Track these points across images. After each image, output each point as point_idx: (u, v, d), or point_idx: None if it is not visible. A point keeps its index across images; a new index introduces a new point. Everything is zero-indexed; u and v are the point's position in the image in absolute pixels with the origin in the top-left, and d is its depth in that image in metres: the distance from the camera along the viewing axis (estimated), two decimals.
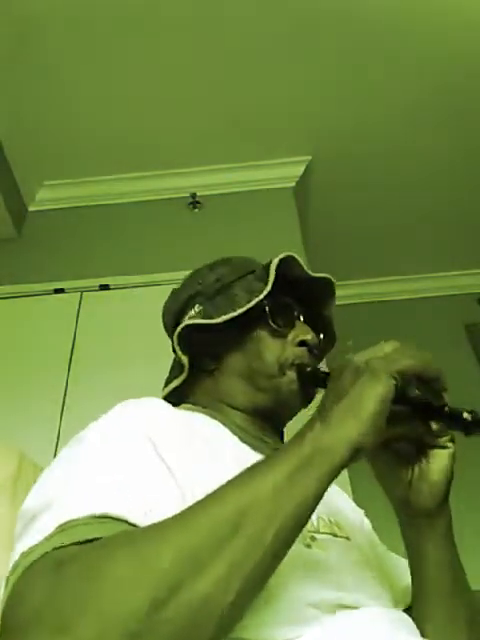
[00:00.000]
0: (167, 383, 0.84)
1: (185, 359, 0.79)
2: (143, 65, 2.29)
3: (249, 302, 0.76)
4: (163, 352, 2.19)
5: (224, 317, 0.76)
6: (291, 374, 0.76)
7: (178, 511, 0.49)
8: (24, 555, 0.46)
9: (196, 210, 2.63)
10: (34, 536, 0.47)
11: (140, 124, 2.49)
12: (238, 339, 0.79)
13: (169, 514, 0.48)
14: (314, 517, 0.69)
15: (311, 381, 0.73)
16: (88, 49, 2.23)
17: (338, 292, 0.87)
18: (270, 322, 0.78)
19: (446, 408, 0.55)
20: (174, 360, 0.85)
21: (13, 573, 0.46)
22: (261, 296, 0.76)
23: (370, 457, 0.61)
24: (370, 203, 2.87)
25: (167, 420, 0.64)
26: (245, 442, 0.73)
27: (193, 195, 2.65)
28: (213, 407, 0.77)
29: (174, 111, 2.46)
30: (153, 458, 0.57)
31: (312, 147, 2.64)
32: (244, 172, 2.68)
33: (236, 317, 0.76)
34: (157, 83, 2.36)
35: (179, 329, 0.78)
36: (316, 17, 2.15)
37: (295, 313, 0.80)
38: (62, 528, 0.46)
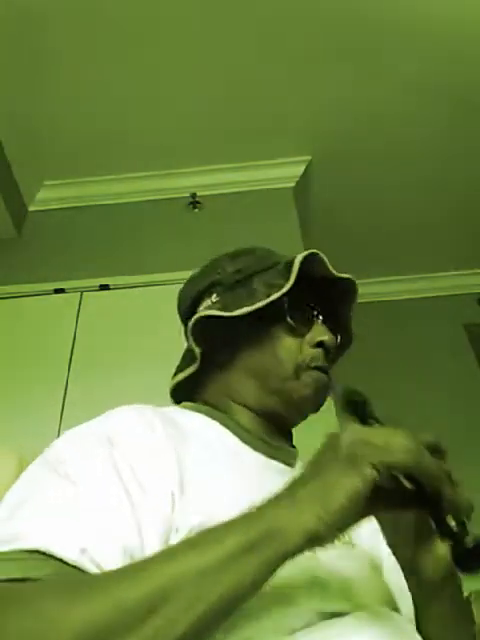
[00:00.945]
0: (177, 372, 0.82)
1: (198, 350, 0.76)
2: (143, 65, 2.29)
3: (268, 297, 0.72)
4: (163, 352, 2.20)
5: (241, 311, 0.73)
6: (305, 378, 0.73)
7: (123, 547, 0.48)
8: None
9: (196, 210, 2.63)
10: None
11: (140, 124, 2.49)
12: (254, 334, 0.76)
13: (107, 554, 0.47)
14: None
15: (352, 410, 0.66)
16: (88, 49, 2.23)
17: None
18: (288, 320, 0.75)
19: (444, 522, 0.48)
20: (186, 349, 0.82)
21: None
22: (281, 292, 0.72)
23: (373, 513, 0.53)
24: (370, 203, 2.87)
25: (149, 428, 0.62)
26: (246, 442, 0.71)
27: (193, 195, 2.65)
28: (219, 403, 0.75)
29: (174, 111, 2.45)
30: (111, 485, 0.54)
31: (312, 147, 2.64)
32: (244, 172, 2.68)
33: (253, 311, 0.73)
34: (157, 83, 2.36)
35: (194, 319, 0.75)
36: (316, 17, 2.15)
37: (315, 313, 0.77)
38: None
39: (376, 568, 0.68)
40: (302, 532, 0.42)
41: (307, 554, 0.60)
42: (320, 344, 0.74)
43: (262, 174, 2.68)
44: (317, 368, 0.74)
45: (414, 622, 0.62)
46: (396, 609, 0.65)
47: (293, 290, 0.73)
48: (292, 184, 2.69)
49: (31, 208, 2.70)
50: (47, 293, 2.32)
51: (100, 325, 2.20)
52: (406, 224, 2.97)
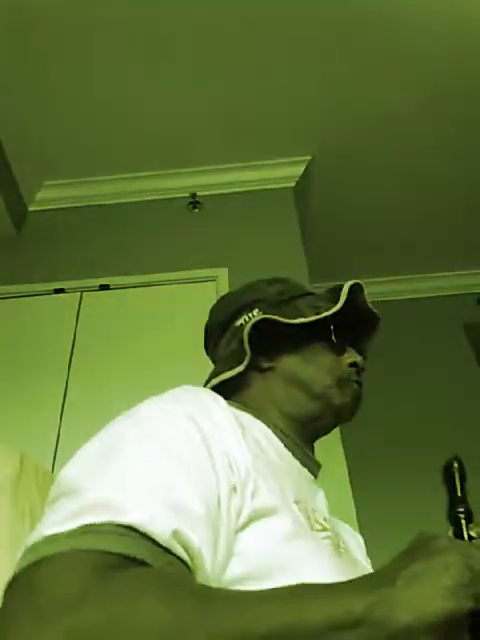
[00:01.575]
0: (214, 375, 0.84)
1: (249, 351, 0.80)
2: (143, 65, 2.30)
3: (317, 315, 0.81)
4: (163, 352, 2.21)
5: (301, 320, 0.80)
6: (347, 388, 0.81)
7: (210, 527, 0.50)
8: (46, 541, 0.45)
9: (196, 210, 2.63)
10: (57, 524, 0.47)
11: (140, 124, 2.49)
12: (298, 345, 0.83)
13: (195, 537, 0.48)
14: (335, 534, 0.71)
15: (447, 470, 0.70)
16: (88, 49, 2.23)
17: None
18: (332, 338, 0.83)
19: None
20: (223, 355, 0.87)
21: (31, 551, 0.45)
22: (333, 310, 0.80)
23: None
24: (370, 203, 2.87)
25: (224, 413, 0.64)
26: (287, 447, 0.76)
27: (193, 195, 2.65)
28: (258, 408, 0.79)
29: (174, 111, 2.46)
30: (200, 458, 0.56)
31: (312, 147, 2.64)
32: (244, 172, 2.68)
33: (301, 325, 0.80)
34: (157, 83, 2.36)
35: (253, 321, 0.80)
36: (316, 17, 2.15)
37: (348, 337, 0.87)
38: (84, 530, 0.46)
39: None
40: (400, 628, 0.43)
41: (335, 557, 0.62)
42: (354, 364, 0.84)
43: (262, 174, 2.68)
44: (356, 382, 0.83)
45: None
46: None
47: (337, 314, 0.82)
48: (292, 184, 2.70)
49: (31, 208, 2.71)
50: (47, 293, 2.32)
51: (100, 325, 2.20)
52: (406, 224, 2.97)
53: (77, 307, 2.26)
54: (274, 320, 0.80)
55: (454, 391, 2.83)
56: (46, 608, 0.41)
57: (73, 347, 2.13)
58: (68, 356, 2.11)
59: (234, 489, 0.56)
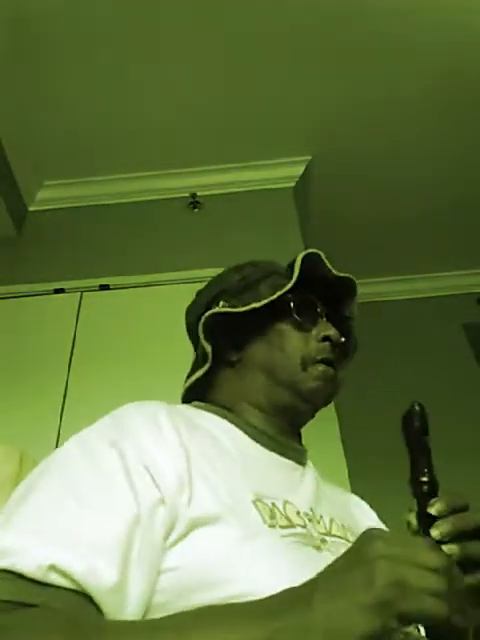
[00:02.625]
0: (188, 377, 0.84)
1: (209, 347, 0.78)
2: (143, 65, 2.29)
3: (275, 294, 0.76)
4: (163, 352, 2.20)
5: (249, 306, 0.76)
6: (313, 370, 0.76)
7: (113, 553, 0.49)
8: None
9: (196, 210, 2.63)
10: None
11: (140, 124, 2.49)
12: (262, 331, 0.79)
13: (81, 567, 0.46)
14: (327, 519, 0.70)
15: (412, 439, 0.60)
16: (88, 49, 2.23)
17: None
18: (294, 315, 0.78)
19: None
20: (196, 356, 0.85)
21: None
22: (286, 288, 0.76)
23: None
24: (370, 203, 2.87)
25: (155, 428, 0.63)
26: (256, 440, 0.73)
27: (193, 195, 2.65)
28: (231, 404, 0.77)
29: (174, 111, 2.46)
30: (113, 485, 0.55)
31: (312, 147, 2.64)
32: (244, 172, 2.68)
33: (261, 309, 0.76)
34: (157, 83, 2.36)
35: (204, 318, 0.78)
36: (316, 18, 2.15)
37: (318, 310, 0.80)
38: None
39: None
40: None
41: (313, 552, 0.61)
42: (326, 338, 0.77)
43: (262, 174, 2.68)
44: (324, 361, 0.76)
45: None
46: None
47: (297, 289, 0.77)
48: (292, 184, 2.70)
49: (31, 208, 2.71)
50: (47, 293, 2.32)
51: (100, 325, 2.20)
52: (406, 224, 2.97)
53: (77, 307, 2.26)
54: (227, 312, 0.78)
55: (454, 391, 2.82)
56: None
57: (73, 347, 2.13)
58: (68, 356, 2.11)
59: (162, 501, 0.55)
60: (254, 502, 0.62)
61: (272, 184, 2.68)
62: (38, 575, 0.45)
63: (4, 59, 2.23)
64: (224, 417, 0.75)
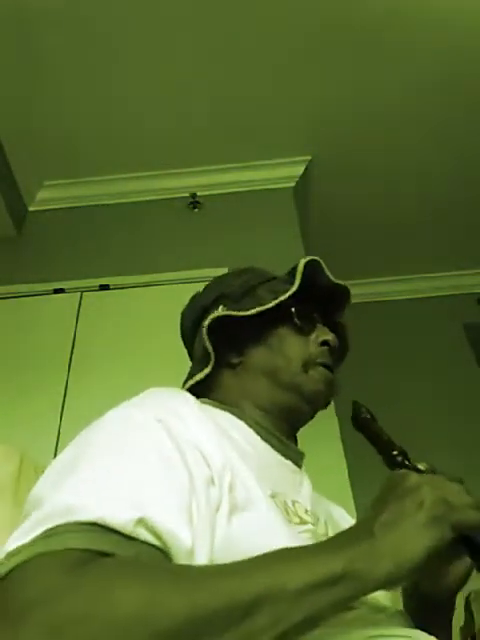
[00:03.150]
0: (189, 377, 0.85)
1: (211, 350, 0.79)
2: (143, 65, 2.30)
3: (276, 299, 0.78)
4: (163, 352, 2.20)
5: (254, 310, 0.78)
6: (313, 373, 0.78)
7: (179, 510, 0.50)
8: (10, 555, 0.45)
9: (196, 210, 2.63)
10: (20, 537, 0.47)
11: (140, 124, 2.49)
12: (263, 335, 0.81)
13: (164, 522, 0.48)
14: (323, 522, 0.71)
15: (358, 426, 0.72)
16: (88, 49, 2.23)
17: None
18: (295, 320, 0.80)
19: None
20: (196, 357, 0.86)
21: None
22: (290, 292, 0.78)
23: None
24: (370, 203, 2.87)
25: (194, 410, 0.65)
26: (265, 440, 0.74)
27: (193, 195, 2.65)
28: (234, 404, 0.78)
29: (174, 111, 2.46)
30: (166, 453, 0.56)
31: (312, 147, 2.64)
32: (244, 172, 2.68)
33: (262, 314, 0.78)
34: (157, 83, 2.36)
35: (208, 321, 0.79)
36: (316, 18, 2.15)
37: (315, 316, 0.83)
38: (46, 534, 0.46)
39: None
40: (383, 577, 0.46)
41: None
42: (325, 343, 0.80)
43: (262, 174, 2.68)
44: (323, 365, 0.79)
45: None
46: (399, 603, 0.67)
47: (298, 294, 0.79)
48: (292, 184, 2.70)
49: (31, 208, 2.71)
50: (47, 293, 2.32)
51: (100, 325, 2.20)
52: (406, 224, 2.97)
53: (77, 307, 2.26)
54: (230, 316, 0.79)
55: (454, 391, 2.82)
56: (20, 610, 0.41)
57: (73, 347, 2.13)
58: (68, 356, 2.11)
59: (211, 481, 0.56)
60: (272, 496, 0.63)
61: (272, 184, 2.68)
62: (128, 529, 0.46)
63: (4, 59, 2.23)
64: (234, 415, 0.76)
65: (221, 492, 0.56)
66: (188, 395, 0.69)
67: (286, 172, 2.69)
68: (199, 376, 0.81)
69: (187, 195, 2.65)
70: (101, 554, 0.45)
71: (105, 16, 2.13)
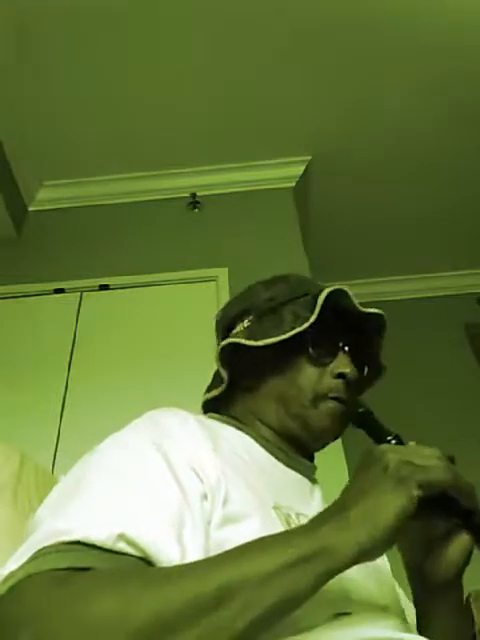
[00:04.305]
0: (208, 390, 0.86)
1: (225, 374, 0.80)
2: (143, 65, 2.30)
3: (293, 329, 0.75)
4: (163, 351, 2.20)
5: (265, 341, 0.76)
6: (322, 407, 0.76)
7: (167, 523, 0.51)
8: (4, 580, 0.48)
9: (196, 210, 2.63)
10: (14, 561, 0.49)
11: (140, 124, 2.49)
12: (277, 362, 0.79)
13: (148, 535, 0.49)
14: None
15: (355, 422, 0.73)
16: (88, 49, 2.23)
17: None
18: (310, 351, 0.77)
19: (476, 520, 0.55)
20: (215, 373, 0.86)
21: None
22: (304, 326, 0.75)
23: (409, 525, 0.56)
24: (370, 203, 2.87)
25: (190, 430, 0.66)
26: (269, 452, 0.75)
27: (193, 195, 2.65)
28: (245, 420, 0.79)
29: (174, 111, 2.46)
30: (157, 472, 0.58)
31: (312, 147, 2.64)
32: (244, 172, 2.68)
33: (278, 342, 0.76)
34: (157, 83, 2.36)
35: (221, 346, 0.79)
36: (316, 18, 2.15)
37: (340, 344, 0.79)
38: (35, 556, 0.48)
39: (377, 567, 0.70)
40: (354, 549, 0.46)
41: None
42: (341, 375, 0.76)
43: (262, 174, 2.68)
44: (335, 398, 0.76)
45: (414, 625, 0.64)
46: (398, 607, 0.67)
47: (320, 321, 0.75)
48: (292, 184, 2.70)
49: (31, 208, 2.71)
50: (47, 293, 2.32)
51: (100, 325, 2.20)
52: (406, 224, 2.97)
53: (77, 307, 2.26)
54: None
55: (454, 391, 2.82)
56: (11, 629, 0.44)
57: (73, 347, 2.13)
58: (68, 356, 2.11)
59: (205, 496, 0.57)
60: (274, 508, 0.64)
61: (272, 184, 2.68)
62: (108, 544, 0.48)
63: (4, 59, 2.23)
64: (241, 430, 0.76)
65: (213, 506, 0.57)
66: (186, 414, 0.69)
67: (286, 172, 2.69)
68: (212, 394, 0.83)
69: (187, 195, 2.65)
70: (84, 570, 0.47)
71: (105, 16, 2.13)
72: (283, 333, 0.75)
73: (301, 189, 2.72)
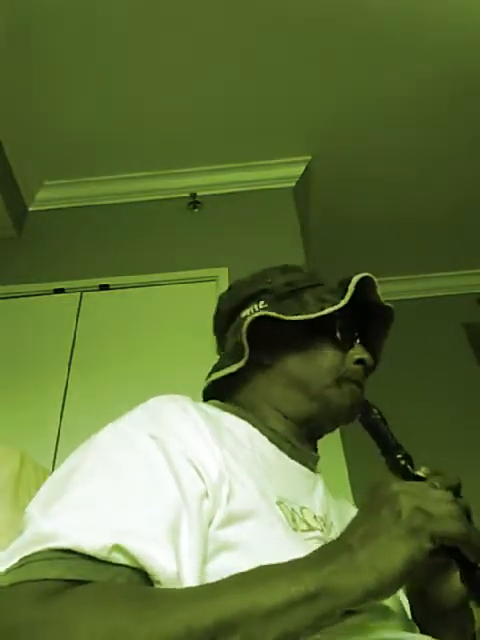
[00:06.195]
0: (214, 371, 0.82)
1: (247, 346, 0.77)
2: (143, 65, 2.30)
3: (322, 310, 0.76)
4: (162, 351, 2.21)
5: (300, 316, 0.76)
6: (345, 388, 0.77)
7: (164, 532, 0.50)
8: None
9: (196, 210, 2.63)
10: (1, 563, 0.48)
11: (140, 124, 2.49)
12: (301, 342, 0.79)
13: (142, 546, 0.48)
14: (337, 527, 0.71)
15: (366, 425, 0.73)
16: (88, 49, 2.23)
17: None
18: (337, 335, 0.79)
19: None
20: (227, 348, 0.84)
21: None
22: (337, 307, 0.76)
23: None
24: (370, 203, 2.87)
25: (191, 422, 0.64)
26: (273, 442, 0.74)
27: (193, 195, 2.65)
28: (253, 406, 0.77)
29: (174, 111, 2.46)
30: (155, 472, 0.56)
31: (312, 147, 2.64)
32: (244, 172, 2.68)
33: (305, 320, 0.76)
34: (157, 83, 2.36)
35: (251, 317, 0.76)
36: (316, 18, 2.15)
37: (356, 333, 0.82)
38: (21, 562, 0.47)
39: None
40: (361, 593, 0.45)
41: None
42: (360, 361, 0.79)
43: (262, 174, 2.68)
44: (356, 382, 0.78)
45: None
46: (400, 605, 0.66)
47: (344, 308, 0.76)
48: (292, 184, 2.70)
49: (31, 208, 2.71)
50: (47, 293, 2.32)
51: (100, 325, 2.20)
52: (406, 224, 2.97)
53: (77, 307, 2.26)
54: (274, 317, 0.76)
55: (454, 391, 2.83)
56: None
57: (73, 347, 2.13)
58: (68, 356, 2.11)
59: (205, 495, 0.56)
60: (278, 503, 0.63)
61: (272, 184, 2.68)
62: (102, 554, 0.46)
63: (4, 59, 2.23)
64: (245, 419, 0.75)
65: (215, 505, 0.56)
66: (187, 403, 0.67)
67: (286, 172, 2.69)
68: (229, 370, 0.79)
69: (187, 195, 2.65)
70: (75, 582, 0.46)
71: (105, 16, 2.13)
72: (310, 312, 0.76)
73: (301, 189, 2.72)
